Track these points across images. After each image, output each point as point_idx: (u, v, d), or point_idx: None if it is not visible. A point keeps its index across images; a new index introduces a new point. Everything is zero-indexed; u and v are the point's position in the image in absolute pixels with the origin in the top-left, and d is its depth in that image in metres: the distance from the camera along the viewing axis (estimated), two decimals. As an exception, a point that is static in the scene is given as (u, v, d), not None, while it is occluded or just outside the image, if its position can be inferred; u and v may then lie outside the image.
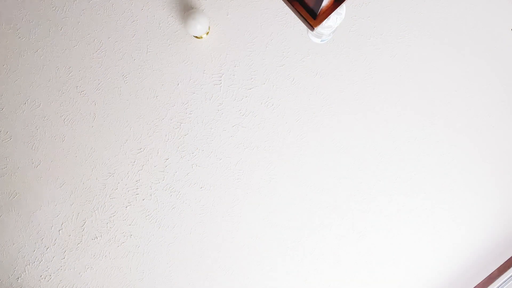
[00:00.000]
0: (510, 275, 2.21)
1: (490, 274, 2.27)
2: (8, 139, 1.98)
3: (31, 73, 1.96)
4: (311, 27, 1.13)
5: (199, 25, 1.87)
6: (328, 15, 1.11)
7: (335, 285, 2.18)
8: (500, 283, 2.22)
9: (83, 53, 1.97)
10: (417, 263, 2.20)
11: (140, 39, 1.98)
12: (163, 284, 2.10)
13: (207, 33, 1.96)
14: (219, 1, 1.98)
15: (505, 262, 2.26)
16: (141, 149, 2.02)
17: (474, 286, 2.28)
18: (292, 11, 1.13)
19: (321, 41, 1.54)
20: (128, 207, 2.04)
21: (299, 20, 1.85)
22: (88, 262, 2.05)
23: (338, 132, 2.07)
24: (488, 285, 2.24)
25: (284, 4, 1.99)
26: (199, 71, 2.00)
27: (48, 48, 1.96)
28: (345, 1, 1.10)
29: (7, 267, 2.02)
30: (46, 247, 2.03)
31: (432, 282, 2.25)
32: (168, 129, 2.01)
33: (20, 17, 1.94)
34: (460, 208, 2.18)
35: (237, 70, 2.01)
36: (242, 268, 2.12)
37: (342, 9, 1.32)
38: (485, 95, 2.11)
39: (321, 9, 1.08)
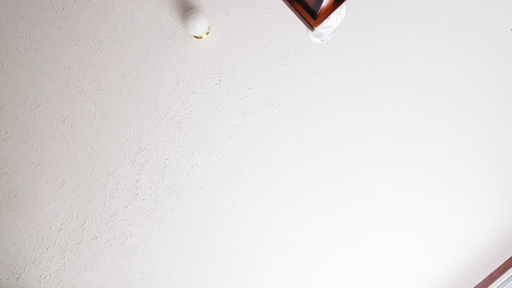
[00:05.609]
0: (510, 275, 2.21)
1: (490, 274, 2.27)
2: (8, 139, 1.98)
3: (31, 73, 1.96)
4: (311, 27, 1.13)
5: (199, 25, 1.86)
6: (328, 15, 1.11)
7: (335, 284, 2.18)
8: (500, 283, 2.22)
9: (83, 53, 1.97)
10: (417, 263, 2.20)
11: (140, 39, 1.98)
12: (163, 284, 2.10)
13: (207, 33, 1.96)
14: (219, 1, 1.98)
15: (505, 262, 2.26)
16: (141, 149, 2.02)
17: (474, 286, 2.28)
18: (292, 11, 1.13)
19: (321, 41, 1.54)
20: (128, 207, 2.04)
21: (299, 20, 1.85)
22: (88, 262, 2.05)
23: (338, 132, 2.07)
24: (488, 285, 2.24)
25: (284, 4, 1.99)
26: (199, 71, 2.00)
27: (48, 48, 1.96)
28: (345, 1, 1.10)
29: (7, 267, 2.02)
30: (46, 247, 2.03)
31: (432, 282, 2.25)
32: (168, 129, 2.01)
33: (20, 17, 1.94)
34: (460, 208, 2.18)
35: (237, 70, 2.01)
36: (242, 268, 2.12)
37: (342, 9, 1.32)
38: (485, 95, 2.11)
39: (321, 9, 1.08)
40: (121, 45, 1.97)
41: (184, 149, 2.03)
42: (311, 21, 1.12)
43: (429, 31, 2.06)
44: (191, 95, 2.01)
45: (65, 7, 1.95)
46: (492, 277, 2.26)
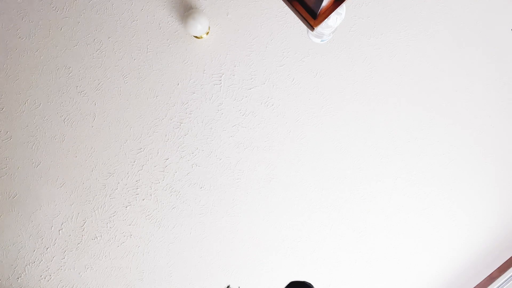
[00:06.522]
0: (510, 275, 2.21)
1: (490, 274, 2.27)
2: (8, 139, 1.98)
3: (31, 73, 1.96)
4: (311, 27, 1.13)
5: (199, 25, 1.86)
6: (328, 15, 1.11)
7: (335, 284, 2.18)
8: (500, 283, 2.22)
9: (83, 53, 1.97)
10: (417, 263, 2.20)
11: (140, 39, 1.98)
12: (163, 284, 2.10)
13: (207, 33, 1.96)
14: (219, 1, 1.98)
15: (505, 262, 2.26)
16: (141, 149, 2.02)
17: (474, 286, 2.28)
18: (292, 11, 1.13)
19: (321, 41, 1.54)
20: (128, 207, 2.04)
21: (299, 20, 1.85)
22: (88, 262, 2.05)
23: (338, 132, 2.07)
24: (488, 285, 2.24)
25: (284, 4, 1.99)
26: (199, 71, 2.00)
27: (48, 48, 1.96)
28: (345, 1, 1.10)
29: (7, 267, 2.03)
30: (46, 247, 2.03)
31: (432, 282, 2.25)
32: (168, 129, 2.01)
33: (20, 17, 1.94)
34: (460, 208, 2.18)
35: (237, 70, 2.01)
36: (242, 268, 2.12)
37: (342, 9, 1.32)
38: (485, 95, 2.11)
39: (321, 9, 1.08)
40: (121, 45, 1.97)
41: (184, 149, 2.03)
42: (311, 21, 1.12)
43: (429, 31, 2.06)
44: (191, 95, 2.01)
45: (65, 7, 1.95)
46: (492, 277, 2.26)
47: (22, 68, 1.96)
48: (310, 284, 1.36)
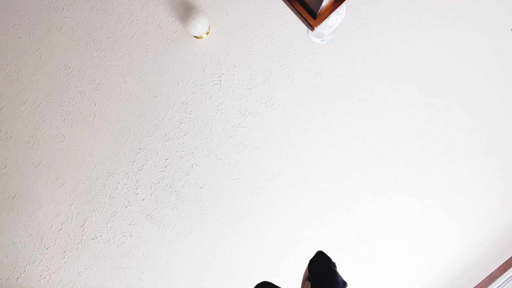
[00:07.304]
0: (510, 275, 2.21)
1: (490, 274, 2.27)
2: (8, 139, 1.98)
3: (31, 73, 1.96)
4: (311, 27, 1.13)
5: (199, 25, 1.86)
6: (328, 15, 1.11)
7: (335, 285, 2.18)
8: (500, 283, 2.22)
9: (83, 53, 1.97)
10: (417, 263, 2.20)
11: (140, 39, 1.97)
12: (163, 284, 2.10)
13: (207, 33, 1.96)
14: (219, 1, 1.98)
15: (505, 262, 2.26)
16: (141, 149, 2.02)
17: (474, 286, 2.28)
18: (292, 11, 1.13)
19: (321, 41, 1.54)
20: (128, 207, 2.04)
21: (299, 20, 1.85)
22: (88, 262, 2.05)
23: (338, 132, 2.07)
24: (488, 285, 2.24)
25: (284, 4, 1.99)
26: (199, 71, 2.00)
27: (48, 48, 1.96)
28: (345, 1, 1.10)
29: (7, 267, 2.03)
30: (46, 247, 2.03)
31: (432, 282, 2.25)
32: (168, 129, 2.01)
33: (20, 17, 1.94)
34: (460, 208, 2.18)
35: (237, 70, 2.01)
36: (242, 268, 2.12)
37: (342, 9, 1.32)
38: (485, 95, 2.11)
39: (321, 9, 1.08)
40: (121, 45, 1.97)
41: (184, 149, 2.03)
42: (311, 21, 1.12)
43: (429, 31, 2.06)
44: (191, 95, 2.01)
45: (65, 7, 1.95)
46: (492, 277, 2.26)
47: (22, 68, 1.96)
48: (269, 283, 1.31)
